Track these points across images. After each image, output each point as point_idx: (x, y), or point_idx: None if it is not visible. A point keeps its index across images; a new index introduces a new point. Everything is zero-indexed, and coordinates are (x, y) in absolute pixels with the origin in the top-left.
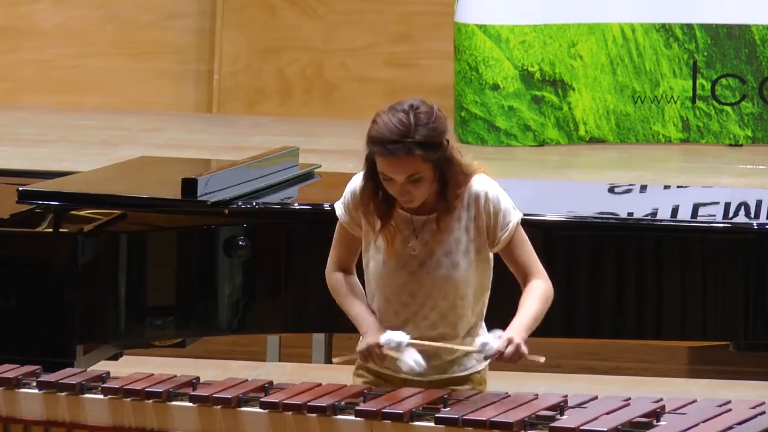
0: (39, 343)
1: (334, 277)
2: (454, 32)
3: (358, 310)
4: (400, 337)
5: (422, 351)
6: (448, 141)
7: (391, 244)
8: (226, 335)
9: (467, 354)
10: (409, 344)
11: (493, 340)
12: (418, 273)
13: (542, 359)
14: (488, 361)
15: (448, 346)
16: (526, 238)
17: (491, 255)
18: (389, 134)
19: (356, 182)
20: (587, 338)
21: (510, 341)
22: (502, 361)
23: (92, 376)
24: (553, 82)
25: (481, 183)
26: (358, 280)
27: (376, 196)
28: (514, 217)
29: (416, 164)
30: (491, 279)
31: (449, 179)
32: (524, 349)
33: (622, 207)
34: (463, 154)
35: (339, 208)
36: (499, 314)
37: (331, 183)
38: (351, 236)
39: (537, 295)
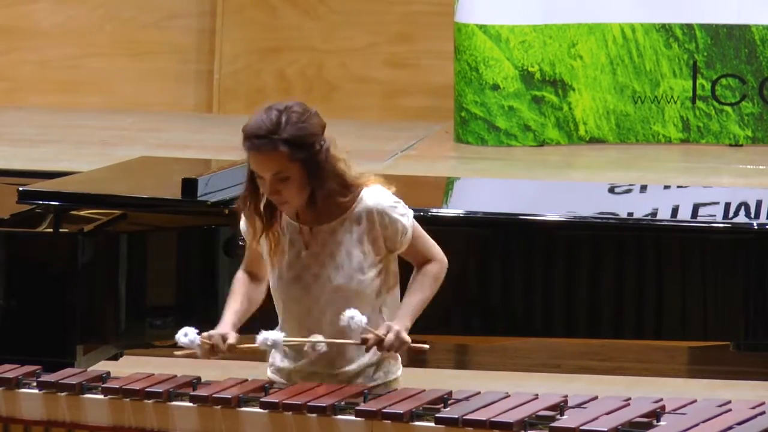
0: (39, 343)
1: (237, 276)
2: (454, 32)
3: (228, 308)
4: (276, 335)
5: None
6: (321, 145)
7: (274, 248)
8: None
9: (345, 345)
10: (285, 342)
11: (359, 313)
12: (311, 286)
13: (427, 347)
14: (368, 346)
15: (321, 341)
16: (421, 231)
17: (394, 260)
18: (257, 129)
19: None
20: (587, 338)
21: (389, 329)
22: (383, 349)
23: (92, 376)
24: (553, 82)
25: (372, 196)
26: (263, 287)
27: (257, 199)
28: (408, 219)
29: (281, 162)
30: (396, 283)
31: (316, 183)
32: (405, 336)
33: (622, 207)
34: (349, 166)
35: (242, 222)
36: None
37: None
38: (255, 249)
39: (424, 280)
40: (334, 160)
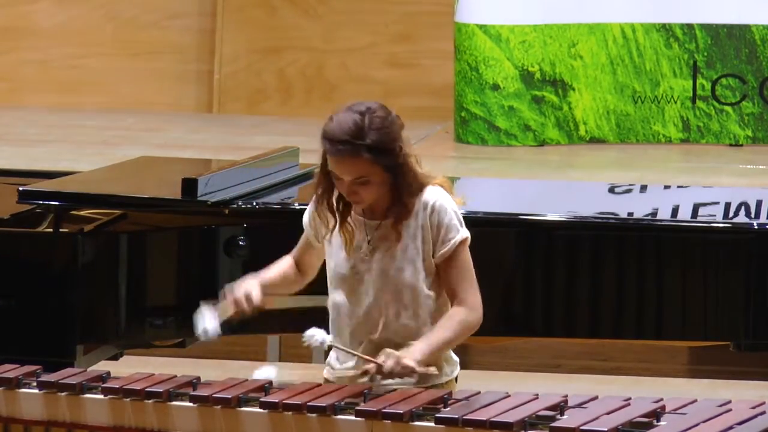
0: (39, 343)
1: (283, 258)
2: (454, 32)
3: (264, 272)
4: (323, 335)
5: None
6: (401, 147)
7: (350, 243)
8: (226, 335)
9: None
10: (331, 344)
11: (319, 330)
12: (365, 278)
13: (434, 371)
14: (367, 375)
15: (366, 357)
16: (467, 262)
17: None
18: (341, 134)
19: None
20: (587, 338)
21: (388, 356)
22: (382, 374)
23: (92, 376)
24: (553, 82)
25: (432, 193)
26: (300, 279)
27: (332, 194)
28: (458, 235)
29: (364, 167)
30: (448, 302)
31: (402, 186)
32: (407, 362)
33: (622, 207)
34: (420, 164)
35: (305, 216)
36: None
37: None
38: (308, 242)
39: (453, 324)
40: (409, 160)
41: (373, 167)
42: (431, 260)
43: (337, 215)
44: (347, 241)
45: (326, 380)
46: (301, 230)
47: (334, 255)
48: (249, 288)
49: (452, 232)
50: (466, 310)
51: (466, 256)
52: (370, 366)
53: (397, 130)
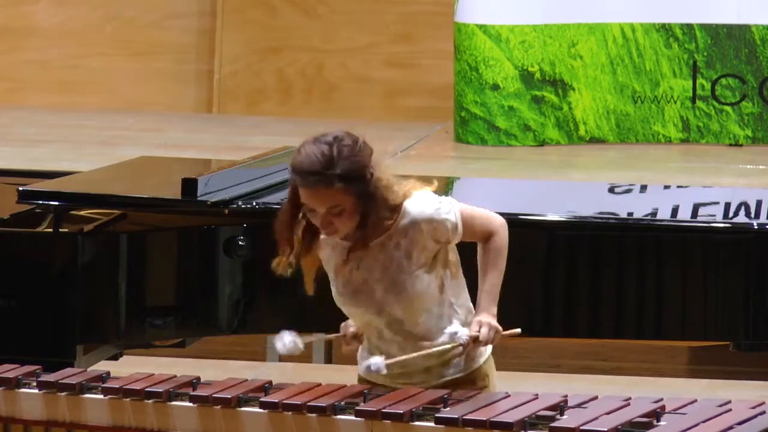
0: (39, 343)
1: None
2: (454, 32)
3: None
4: (378, 361)
5: (405, 364)
6: (372, 174)
7: (311, 273)
8: (226, 335)
9: (447, 353)
10: (388, 364)
11: (462, 327)
12: (370, 299)
13: (518, 331)
14: (465, 350)
15: (421, 353)
16: (471, 210)
17: (453, 249)
18: (310, 165)
19: None
20: (587, 338)
21: (480, 324)
22: (480, 344)
23: (92, 376)
24: (553, 82)
25: (415, 206)
26: None
27: (296, 225)
28: (454, 215)
29: (337, 197)
30: (459, 270)
31: (370, 213)
32: (496, 325)
33: (622, 207)
34: (392, 183)
35: None
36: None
37: None
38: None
39: (492, 257)
40: (380, 184)
41: (345, 196)
42: (445, 248)
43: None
44: (308, 271)
45: (361, 379)
46: None
47: (333, 280)
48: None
49: (450, 219)
50: (497, 236)
51: (468, 213)
52: (466, 340)
53: (367, 156)
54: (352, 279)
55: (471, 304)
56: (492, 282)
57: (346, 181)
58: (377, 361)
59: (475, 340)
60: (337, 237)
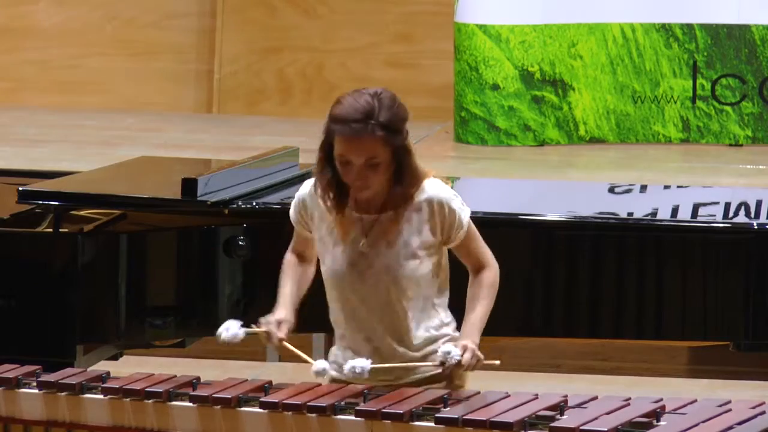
0: (39, 343)
1: (286, 258)
2: (454, 32)
3: (283, 291)
4: (363, 363)
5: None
6: (407, 132)
7: (344, 235)
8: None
9: (428, 369)
10: (372, 369)
11: (454, 348)
12: (366, 273)
13: (498, 363)
14: (447, 370)
15: (408, 365)
16: (476, 230)
17: (445, 254)
18: (354, 113)
19: (306, 188)
20: (587, 338)
21: (465, 348)
22: (461, 369)
23: (92, 376)
24: (553, 82)
25: (433, 187)
26: (312, 269)
27: (333, 186)
28: (466, 215)
29: (376, 147)
30: (447, 278)
31: (404, 171)
32: (479, 353)
33: (622, 207)
34: (415, 156)
35: (292, 211)
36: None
37: None
38: (303, 236)
39: (483, 291)
40: (413, 148)
41: (384, 147)
42: (441, 250)
43: (337, 206)
44: (343, 235)
45: (333, 380)
46: None
47: (330, 252)
48: (277, 323)
49: (461, 215)
50: (491, 271)
51: (474, 230)
52: (456, 362)
53: (406, 112)
54: (353, 250)
55: (447, 317)
56: (481, 312)
57: (387, 130)
58: (363, 364)
59: (458, 364)
60: (367, 194)
